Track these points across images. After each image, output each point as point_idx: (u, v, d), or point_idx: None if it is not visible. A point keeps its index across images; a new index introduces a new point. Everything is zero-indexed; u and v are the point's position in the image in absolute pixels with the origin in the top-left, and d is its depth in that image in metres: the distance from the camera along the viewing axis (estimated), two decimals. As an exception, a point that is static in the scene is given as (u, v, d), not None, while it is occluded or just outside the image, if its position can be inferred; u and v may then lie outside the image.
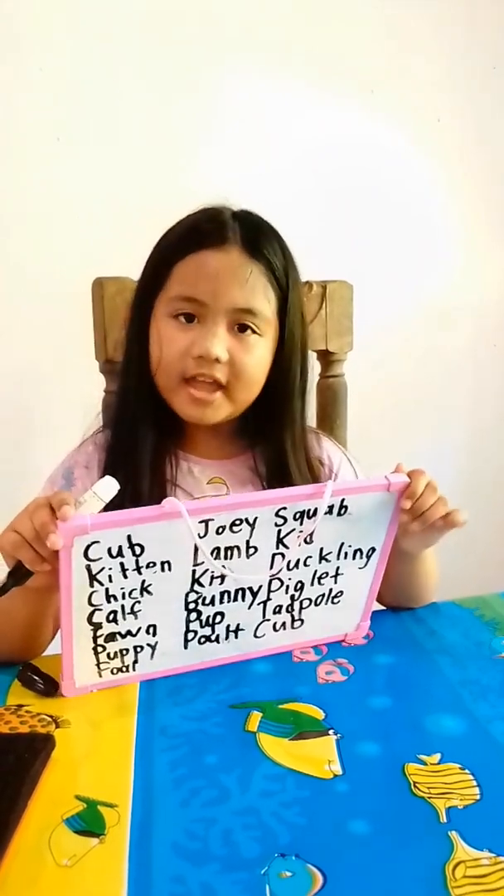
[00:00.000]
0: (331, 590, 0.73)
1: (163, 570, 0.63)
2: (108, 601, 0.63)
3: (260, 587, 0.69)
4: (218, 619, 0.69)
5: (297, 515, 0.65)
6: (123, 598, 0.63)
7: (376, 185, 1.61)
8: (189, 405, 0.78)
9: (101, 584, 0.62)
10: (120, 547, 0.60)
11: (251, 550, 0.65)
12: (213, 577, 0.66)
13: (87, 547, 0.59)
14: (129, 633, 0.66)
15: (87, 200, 1.40)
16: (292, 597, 0.71)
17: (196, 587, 0.66)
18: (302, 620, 0.74)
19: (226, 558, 0.65)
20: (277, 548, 0.67)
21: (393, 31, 1.55)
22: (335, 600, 0.74)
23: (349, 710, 0.65)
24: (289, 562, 0.68)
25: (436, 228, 1.69)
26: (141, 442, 0.80)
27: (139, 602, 0.64)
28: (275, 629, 0.73)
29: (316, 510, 0.65)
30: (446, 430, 1.81)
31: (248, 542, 0.65)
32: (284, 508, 0.64)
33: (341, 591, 0.73)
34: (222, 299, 0.75)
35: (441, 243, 1.70)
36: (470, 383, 1.82)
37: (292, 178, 1.54)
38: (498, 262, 1.75)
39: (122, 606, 0.64)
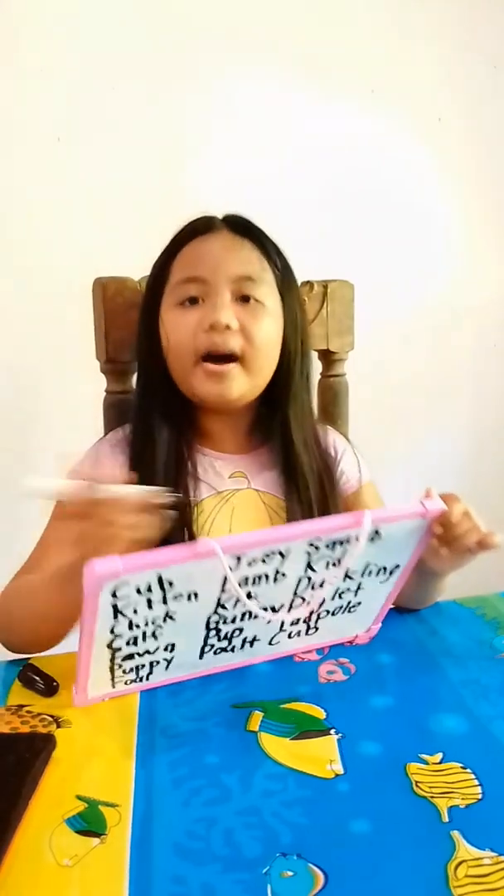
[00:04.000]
0: (349, 602, 0.72)
1: (189, 599, 0.61)
2: (130, 629, 0.61)
3: (282, 605, 0.67)
4: (236, 633, 0.68)
5: (331, 545, 0.63)
6: (146, 625, 0.61)
7: (377, 185, 1.61)
8: (206, 381, 0.79)
9: (125, 616, 0.59)
10: (149, 584, 0.57)
11: (278, 576, 0.64)
12: (237, 601, 0.64)
13: (115, 587, 0.56)
14: (147, 651, 0.64)
15: (87, 200, 1.40)
16: (311, 611, 0.70)
17: (219, 610, 0.64)
18: (317, 629, 0.73)
19: (253, 584, 0.63)
20: (305, 572, 0.65)
21: (393, 30, 1.55)
22: (352, 610, 0.73)
23: (350, 710, 0.64)
24: (313, 583, 0.66)
25: (436, 228, 1.69)
26: (162, 439, 0.81)
27: (161, 627, 0.62)
28: (289, 637, 0.72)
29: (348, 538, 0.63)
30: (447, 430, 1.80)
31: (277, 570, 0.63)
32: (319, 538, 0.62)
33: (360, 602, 0.72)
34: (221, 271, 0.79)
35: (442, 243, 1.70)
36: (471, 383, 1.82)
37: (293, 177, 1.54)
38: (498, 261, 1.75)
39: (144, 633, 0.62)
